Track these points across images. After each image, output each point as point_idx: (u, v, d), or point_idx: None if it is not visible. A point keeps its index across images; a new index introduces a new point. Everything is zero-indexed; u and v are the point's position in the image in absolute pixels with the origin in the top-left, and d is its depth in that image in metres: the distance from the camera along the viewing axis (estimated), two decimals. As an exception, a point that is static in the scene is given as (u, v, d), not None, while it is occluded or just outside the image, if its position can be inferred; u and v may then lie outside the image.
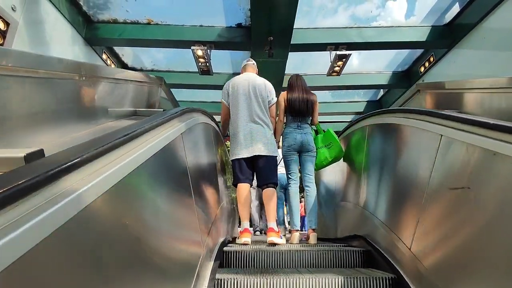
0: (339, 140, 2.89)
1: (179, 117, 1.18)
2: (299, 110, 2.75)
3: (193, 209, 1.18)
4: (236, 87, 2.64)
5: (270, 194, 2.54)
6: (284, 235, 3.21)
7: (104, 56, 4.53)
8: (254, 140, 2.53)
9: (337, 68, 4.09)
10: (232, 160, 2.62)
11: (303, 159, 2.78)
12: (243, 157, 2.53)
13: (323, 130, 3.00)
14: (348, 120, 7.97)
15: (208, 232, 1.49)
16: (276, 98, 2.78)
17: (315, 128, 2.97)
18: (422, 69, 4.76)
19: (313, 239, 2.54)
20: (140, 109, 1.59)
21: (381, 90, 6.45)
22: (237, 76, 2.77)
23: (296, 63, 5.11)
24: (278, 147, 2.85)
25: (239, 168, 2.57)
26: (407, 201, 1.35)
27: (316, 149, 2.85)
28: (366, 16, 4.31)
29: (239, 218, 2.82)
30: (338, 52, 3.77)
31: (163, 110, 1.60)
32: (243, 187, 2.56)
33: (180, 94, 6.48)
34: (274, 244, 2.32)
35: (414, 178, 1.31)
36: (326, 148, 2.91)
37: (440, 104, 1.93)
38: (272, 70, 4.49)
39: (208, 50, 3.89)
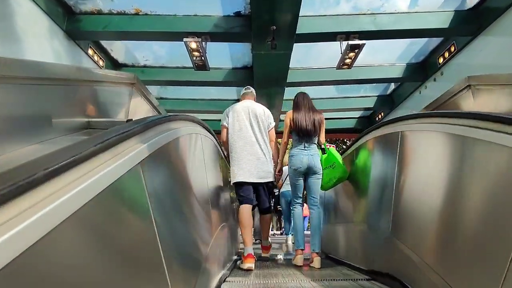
0: (341, 160, 2.82)
1: (140, 134, 0.77)
2: (306, 131, 2.68)
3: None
4: (236, 113, 2.77)
5: (267, 219, 3.06)
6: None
7: (90, 52, 4.12)
8: (254, 166, 2.69)
9: (348, 60, 3.65)
10: (234, 183, 2.76)
11: (309, 182, 2.74)
12: (244, 181, 2.68)
13: (326, 147, 2.88)
14: (356, 116, 7.56)
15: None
16: (274, 123, 2.92)
17: (322, 147, 2.86)
18: (441, 60, 4.31)
19: (317, 263, 2.51)
20: (94, 120, 1.18)
21: (392, 84, 5.99)
22: (237, 103, 2.90)
23: (299, 57, 4.66)
24: (279, 168, 2.98)
25: (241, 190, 2.72)
26: (481, 248, 0.92)
27: (322, 169, 2.77)
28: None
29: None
30: (351, 42, 3.32)
31: (128, 120, 1.19)
32: (245, 209, 2.67)
33: (177, 92, 6.09)
34: (267, 259, 2.95)
35: (491, 214, 0.89)
36: (331, 169, 2.83)
37: (501, 106, 1.51)
38: (275, 64, 4.06)
39: (203, 43, 3.46)
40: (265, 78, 4.48)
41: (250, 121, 2.77)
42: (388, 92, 6.18)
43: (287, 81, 4.62)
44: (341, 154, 2.96)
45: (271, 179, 2.82)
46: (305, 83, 4.99)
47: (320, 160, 2.75)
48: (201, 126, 1.65)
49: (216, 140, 2.45)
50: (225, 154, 2.97)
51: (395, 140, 1.64)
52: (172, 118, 1.08)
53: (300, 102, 2.80)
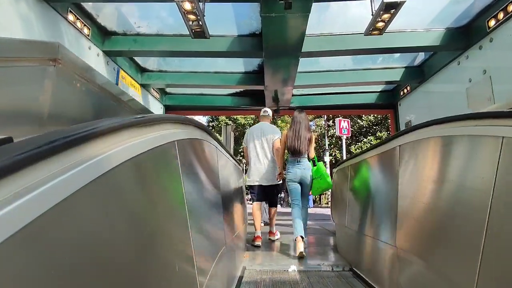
0: (327, 174, 3.48)
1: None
2: (294, 150, 3.50)
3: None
4: (251, 135, 4.10)
5: (274, 212, 4.23)
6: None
7: (71, 17, 3.51)
8: (260, 174, 3.98)
9: (380, 24, 2.95)
10: (249, 185, 4.12)
11: (302, 187, 3.55)
12: (256, 184, 4.00)
13: (316, 161, 3.62)
14: (378, 90, 6.84)
15: None
16: (279, 137, 4.02)
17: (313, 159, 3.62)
18: (492, 22, 3.53)
19: (299, 250, 3.08)
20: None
21: (423, 53, 5.21)
22: (255, 126, 4.21)
23: (310, 23, 3.91)
24: (279, 172, 4.02)
25: (252, 190, 4.09)
26: None
27: (312, 178, 3.53)
28: None
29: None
30: (386, 0, 2.62)
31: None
32: (255, 205, 4.02)
33: (178, 65, 5.48)
34: (272, 241, 4.15)
35: None
36: (318, 179, 3.49)
37: None
38: (288, 29, 3.37)
39: (201, 3, 2.80)
40: (277, 46, 3.81)
41: (261, 141, 4.00)
42: (417, 62, 5.41)
43: (302, 50, 3.94)
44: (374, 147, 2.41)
45: (275, 182, 4.05)
46: (324, 53, 4.29)
47: (318, 170, 3.51)
48: (194, 126, 1.13)
49: (218, 140, 1.96)
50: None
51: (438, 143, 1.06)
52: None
53: (295, 120, 3.58)
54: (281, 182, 4.25)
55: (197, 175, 1.37)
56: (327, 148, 18.41)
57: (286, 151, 3.70)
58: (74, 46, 3.65)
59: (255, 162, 4.06)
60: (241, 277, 2.35)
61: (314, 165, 3.62)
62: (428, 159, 1.45)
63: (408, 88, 5.94)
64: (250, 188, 4.15)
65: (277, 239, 4.27)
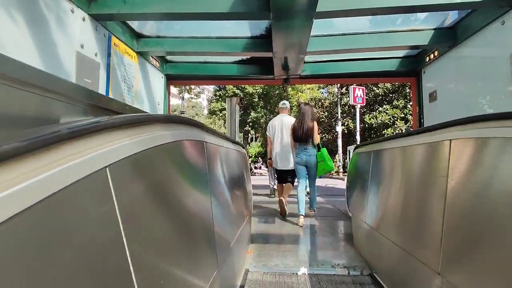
0: (329, 158, 4.32)
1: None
2: (300, 139, 4.34)
3: None
4: (273, 127, 5.04)
5: (289, 186, 4.75)
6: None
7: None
8: (284, 159, 4.88)
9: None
10: (275, 169, 5.19)
11: (308, 171, 4.41)
12: (279, 168, 5.00)
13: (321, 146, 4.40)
14: (400, 56, 6.17)
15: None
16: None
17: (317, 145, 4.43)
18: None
19: (300, 222, 3.98)
20: None
21: (455, 12, 4.51)
22: (275, 118, 5.16)
23: None
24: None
25: (278, 173, 5.14)
26: None
27: (317, 162, 4.33)
28: None
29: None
30: None
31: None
32: (278, 186, 5.10)
33: (178, 29, 4.95)
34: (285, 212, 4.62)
35: None
36: (322, 163, 4.30)
37: None
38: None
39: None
40: (286, 5, 3.25)
41: (281, 132, 4.82)
42: (449, 23, 4.72)
43: (317, 9, 3.36)
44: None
45: (291, 168, 4.78)
46: (342, 13, 3.69)
47: (316, 155, 4.31)
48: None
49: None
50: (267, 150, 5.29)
51: None
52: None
53: (299, 112, 4.34)
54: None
55: (173, 185, 0.99)
56: (339, 117, 17.75)
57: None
58: (52, 10, 3.18)
59: (277, 150, 5.00)
60: (242, 286, 2.04)
61: (318, 150, 4.40)
62: (502, 168, 1.02)
63: (436, 53, 5.29)
64: (276, 171, 5.32)
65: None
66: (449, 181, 1.30)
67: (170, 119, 1.02)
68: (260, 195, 8.04)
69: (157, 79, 6.68)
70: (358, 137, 15.35)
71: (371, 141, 2.78)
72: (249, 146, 39.62)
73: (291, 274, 2.34)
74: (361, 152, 2.99)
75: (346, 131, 18.33)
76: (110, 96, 4.75)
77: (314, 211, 4.60)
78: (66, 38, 3.75)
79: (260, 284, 2.16)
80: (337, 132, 17.47)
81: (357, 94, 14.89)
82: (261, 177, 15.94)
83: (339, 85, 18.37)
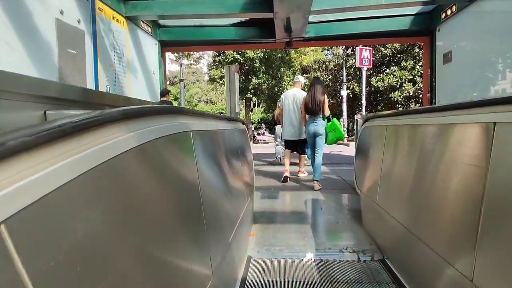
0: (340, 126, 4.74)
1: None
2: (311, 111, 4.69)
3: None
4: (287, 98, 5.29)
5: (302, 157, 5.62)
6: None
7: None
8: (293, 130, 5.25)
9: None
10: (284, 139, 5.65)
11: (315, 140, 4.76)
12: (289, 139, 5.38)
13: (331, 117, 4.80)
14: (413, 13, 5.66)
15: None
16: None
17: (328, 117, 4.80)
18: None
19: (316, 186, 4.51)
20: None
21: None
22: (289, 90, 5.50)
23: None
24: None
25: (286, 143, 5.54)
26: None
27: (327, 133, 4.74)
28: None
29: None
30: None
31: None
32: (287, 153, 5.40)
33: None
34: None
35: None
36: (333, 132, 4.70)
37: None
38: None
39: None
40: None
41: (293, 104, 5.15)
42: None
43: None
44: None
45: (302, 137, 5.17)
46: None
47: (326, 127, 4.69)
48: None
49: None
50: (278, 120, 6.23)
51: None
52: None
53: (310, 86, 4.79)
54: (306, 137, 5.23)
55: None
56: (344, 80, 17.14)
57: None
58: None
59: (289, 121, 5.29)
60: (243, 280, 1.90)
61: (329, 121, 4.77)
62: None
63: (453, 8, 4.81)
64: (284, 140, 5.72)
65: (305, 176, 5.62)
66: (490, 173, 1.07)
67: (136, 113, 0.77)
68: (263, 164, 7.91)
69: (150, 46, 6.27)
70: (364, 102, 14.91)
71: (386, 114, 2.51)
72: (251, 112, 39.14)
73: (297, 260, 2.20)
74: (372, 125, 2.72)
75: (351, 95, 17.78)
76: (99, 67, 4.43)
77: (318, 181, 4.56)
78: (42, 5, 3.37)
79: (264, 274, 2.03)
80: (342, 96, 16.96)
81: (364, 56, 14.17)
82: (265, 145, 15.73)
83: (344, 46, 17.52)
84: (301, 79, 5.59)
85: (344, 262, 2.15)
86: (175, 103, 17.41)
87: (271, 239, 2.57)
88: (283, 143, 5.68)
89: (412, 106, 23.19)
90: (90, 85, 4.26)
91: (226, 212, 1.67)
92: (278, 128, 8.02)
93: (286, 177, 5.11)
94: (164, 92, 6.40)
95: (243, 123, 3.01)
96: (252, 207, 2.96)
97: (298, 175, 5.66)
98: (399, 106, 20.19)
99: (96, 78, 4.40)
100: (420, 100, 17.96)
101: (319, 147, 4.76)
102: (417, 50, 15.40)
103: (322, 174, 5.55)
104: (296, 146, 5.39)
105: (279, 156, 7.73)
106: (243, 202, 2.27)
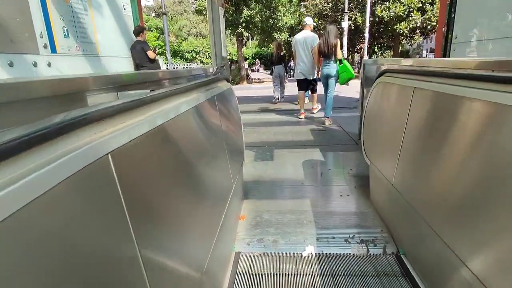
0: (350, 68, 5.20)
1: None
2: (324, 54, 5.25)
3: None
4: (298, 40, 5.76)
5: (314, 96, 6.33)
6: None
7: None
8: (306, 70, 5.80)
9: None
10: (297, 79, 6.05)
11: (328, 81, 5.40)
12: (300, 78, 5.92)
13: (342, 60, 5.30)
14: None
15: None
16: (316, 44, 5.51)
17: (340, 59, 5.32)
18: None
19: (327, 122, 5.37)
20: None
21: None
22: (298, 34, 5.88)
23: None
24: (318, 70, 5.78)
25: (298, 82, 6.02)
26: None
27: (339, 74, 5.29)
28: None
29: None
30: None
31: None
32: (301, 93, 6.01)
33: None
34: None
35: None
36: (344, 73, 5.20)
37: None
38: None
39: None
40: None
41: (303, 45, 5.71)
42: None
43: None
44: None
45: (313, 77, 5.90)
46: None
47: (338, 70, 5.28)
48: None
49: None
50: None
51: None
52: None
53: (325, 31, 5.30)
54: (317, 76, 5.85)
55: None
56: (346, 10, 15.54)
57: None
58: None
59: (300, 62, 5.83)
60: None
61: (340, 63, 5.23)
62: None
63: None
64: (297, 80, 6.06)
65: (317, 111, 6.44)
66: None
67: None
68: (257, 111, 7.34)
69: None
70: (367, 35, 13.65)
71: (417, 69, 1.90)
72: (245, 46, 36.64)
73: (294, 256, 1.83)
74: (393, 83, 2.13)
75: (352, 27, 16.30)
76: (49, 3, 3.56)
77: (328, 118, 5.43)
78: None
79: (255, 276, 1.67)
80: (342, 28, 15.52)
81: (370, -20, 12.52)
82: (260, 86, 14.80)
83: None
84: (308, 21, 5.92)
85: (351, 258, 1.78)
86: (155, 43, 15.77)
87: (264, 224, 2.18)
88: (299, 87, 6.07)
89: (417, 38, 21.65)
90: (39, 28, 3.46)
91: (204, 219, 1.22)
92: (278, 68, 8.21)
93: (312, 109, 6.39)
94: (139, 30, 5.49)
95: (227, 80, 2.39)
96: (242, 179, 2.52)
97: (312, 111, 6.43)
98: (404, 38, 18.80)
99: (47, 19, 3.57)
100: (427, 32, 16.59)
101: (331, 88, 5.44)
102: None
103: (320, 125, 5.16)
104: (308, 85, 6.03)
105: (277, 96, 8.41)
106: (227, 194, 1.81)
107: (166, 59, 13.80)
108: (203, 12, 12.83)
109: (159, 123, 0.98)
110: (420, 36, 18.79)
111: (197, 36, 37.18)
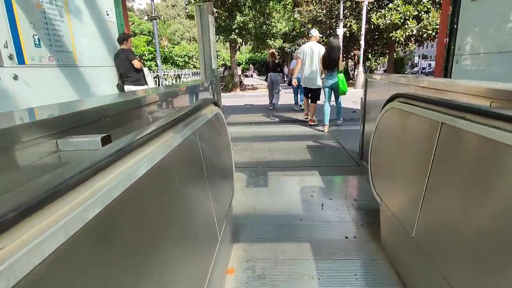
0: (344, 83, 5.80)
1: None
2: (328, 67, 5.83)
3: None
4: (305, 51, 6.21)
5: (313, 106, 6.38)
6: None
7: None
8: (311, 79, 6.18)
9: None
10: (303, 87, 6.53)
11: (333, 91, 6.04)
12: (307, 86, 6.35)
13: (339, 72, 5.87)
14: None
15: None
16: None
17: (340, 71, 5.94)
18: None
19: (325, 129, 5.78)
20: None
21: None
22: (306, 44, 6.35)
23: None
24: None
25: (305, 90, 6.53)
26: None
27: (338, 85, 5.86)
28: None
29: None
30: None
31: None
32: (305, 100, 6.70)
33: None
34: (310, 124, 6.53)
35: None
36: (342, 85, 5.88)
37: None
38: None
39: None
40: None
41: (310, 56, 6.14)
42: None
43: None
44: None
45: (315, 86, 6.26)
46: None
47: (338, 79, 5.77)
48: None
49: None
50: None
51: None
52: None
53: (329, 45, 5.95)
54: (321, 86, 6.23)
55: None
56: (341, 17, 15.36)
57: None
58: None
59: (306, 72, 6.21)
60: None
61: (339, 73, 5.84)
62: None
63: None
64: (304, 88, 6.56)
65: (315, 123, 6.39)
66: None
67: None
68: (249, 124, 7.00)
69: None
70: (363, 42, 13.46)
71: (444, 101, 1.57)
72: (239, 51, 36.25)
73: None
74: (408, 112, 1.80)
75: (347, 34, 16.13)
76: (16, 8, 3.17)
77: (341, 120, 6.41)
78: None
79: None
80: (337, 35, 15.33)
81: (366, -13, 12.31)
82: (252, 94, 14.43)
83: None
84: (315, 33, 6.49)
85: None
86: (145, 49, 15.34)
87: (256, 280, 1.82)
88: (305, 94, 6.70)
89: (411, 45, 21.60)
90: (3, 36, 3.07)
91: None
92: (273, 75, 8.66)
93: (310, 121, 6.56)
94: (123, 38, 5.10)
95: (215, 103, 2.04)
96: (231, 226, 2.15)
97: (309, 123, 6.52)
98: (399, 45, 18.72)
99: (13, 26, 3.18)
100: (422, 40, 16.51)
101: (337, 97, 6.24)
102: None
103: (318, 140, 4.86)
104: (311, 94, 6.45)
105: (276, 102, 8.94)
106: (210, 252, 1.45)
107: (157, 65, 13.38)
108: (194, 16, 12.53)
109: (115, 196, 0.65)
110: (415, 43, 18.74)
111: (190, 40, 36.86)
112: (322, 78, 6.19)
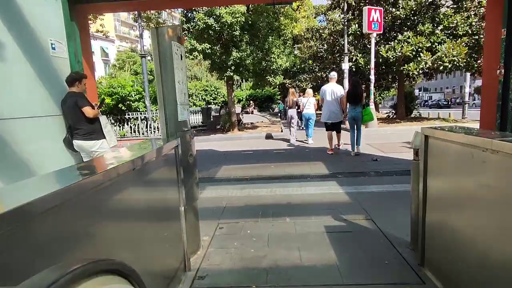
0: (373, 113, 7.54)
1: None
2: (352, 101, 7.17)
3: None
4: (326, 90, 7.53)
5: (339, 135, 7.96)
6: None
7: None
8: (331, 115, 7.57)
9: None
10: (325, 122, 7.79)
11: (356, 123, 7.28)
12: (328, 121, 7.67)
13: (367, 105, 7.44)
14: None
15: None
16: (343, 93, 7.53)
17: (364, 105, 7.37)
18: None
19: (356, 149, 7.44)
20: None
21: None
22: (327, 85, 7.65)
23: None
24: (345, 114, 7.62)
25: (327, 125, 7.78)
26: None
27: (362, 116, 7.20)
28: None
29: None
30: None
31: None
32: (329, 133, 7.79)
33: None
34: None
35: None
36: (366, 116, 7.26)
37: None
38: None
39: None
40: None
41: (331, 96, 7.44)
42: None
43: None
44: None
45: (338, 120, 7.64)
46: None
47: (362, 112, 7.19)
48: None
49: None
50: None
51: None
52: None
53: (353, 82, 7.52)
54: (341, 120, 7.76)
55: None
56: (346, 51, 14.54)
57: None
58: None
59: (329, 109, 7.60)
60: None
61: (363, 108, 7.28)
62: None
63: None
64: (325, 123, 7.84)
65: (339, 147, 8.14)
66: None
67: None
68: (245, 181, 5.62)
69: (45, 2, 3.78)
70: (372, 77, 12.44)
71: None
72: (239, 88, 35.72)
73: None
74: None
75: (354, 69, 15.24)
76: None
77: (359, 145, 7.45)
78: None
79: None
80: (343, 69, 14.43)
81: (373, 18, 11.48)
82: (252, 135, 13.13)
83: (346, 7, 14.69)
84: (333, 75, 7.73)
85: None
86: (127, 89, 14.37)
87: None
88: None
89: (418, 79, 20.70)
90: None
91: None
92: (291, 111, 9.97)
93: (333, 151, 7.81)
94: (75, 78, 3.86)
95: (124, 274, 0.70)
96: None
97: (338, 147, 8.08)
98: (408, 79, 17.81)
99: None
100: (434, 73, 15.59)
101: (358, 128, 7.36)
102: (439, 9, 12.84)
103: (340, 214, 3.34)
104: (333, 127, 7.74)
105: (295, 136, 10.16)
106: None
107: (145, 107, 12.31)
108: (186, 53, 11.65)
109: None
110: (425, 77, 17.84)
111: (191, 78, 36.64)
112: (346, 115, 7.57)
